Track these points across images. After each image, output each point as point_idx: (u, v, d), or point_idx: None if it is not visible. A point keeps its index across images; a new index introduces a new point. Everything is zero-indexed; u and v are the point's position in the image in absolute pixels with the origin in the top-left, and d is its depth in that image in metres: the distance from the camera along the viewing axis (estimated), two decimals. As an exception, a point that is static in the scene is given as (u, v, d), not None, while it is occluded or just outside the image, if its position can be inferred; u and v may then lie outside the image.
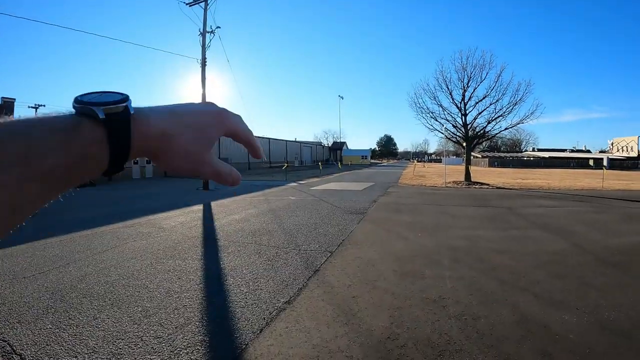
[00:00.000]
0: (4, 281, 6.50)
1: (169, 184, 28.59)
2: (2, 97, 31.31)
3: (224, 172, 0.63)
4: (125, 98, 0.51)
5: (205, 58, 23.95)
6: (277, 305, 5.23)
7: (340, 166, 63.43)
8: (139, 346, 4.12)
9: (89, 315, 4.99)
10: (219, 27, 24.68)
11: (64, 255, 8.03)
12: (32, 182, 0.44)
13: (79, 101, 0.50)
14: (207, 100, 0.91)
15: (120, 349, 4.09)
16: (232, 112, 0.66)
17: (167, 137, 0.54)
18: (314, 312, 4.99)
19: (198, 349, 4.01)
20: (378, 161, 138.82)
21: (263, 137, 66.31)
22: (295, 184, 27.68)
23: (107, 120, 0.48)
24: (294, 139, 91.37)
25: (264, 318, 4.80)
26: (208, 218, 12.76)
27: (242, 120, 0.68)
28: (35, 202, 0.46)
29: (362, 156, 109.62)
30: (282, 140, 76.80)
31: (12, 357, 4.02)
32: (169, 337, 4.29)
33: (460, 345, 4.13)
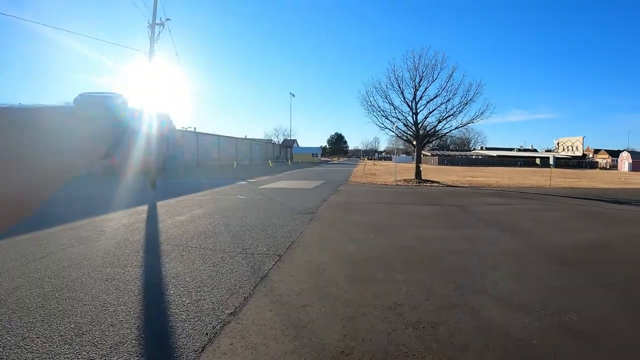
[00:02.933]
0: None
1: (113, 182, 27.56)
2: None
3: None
4: None
5: (153, 51, 23.13)
6: (221, 317, 4.87)
7: (290, 164, 63.13)
8: None
9: (17, 335, 4.50)
10: (169, 20, 23.76)
11: (-8, 265, 7.41)
12: None
13: None
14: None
15: None
16: None
17: None
18: (261, 324, 4.66)
19: None
20: (329, 159, 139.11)
21: (213, 134, 65.27)
22: (244, 182, 27.12)
23: None
24: (244, 137, 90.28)
25: (207, 333, 4.43)
26: (152, 220, 12.22)
27: None
28: None
29: (313, 154, 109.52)
30: (232, 137, 75.84)
31: None
32: (102, 358, 3.88)
33: (420, 358, 3.91)
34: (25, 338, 4.43)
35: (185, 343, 4.21)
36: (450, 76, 27.43)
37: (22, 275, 6.70)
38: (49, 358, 3.96)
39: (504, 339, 4.29)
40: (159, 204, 15.82)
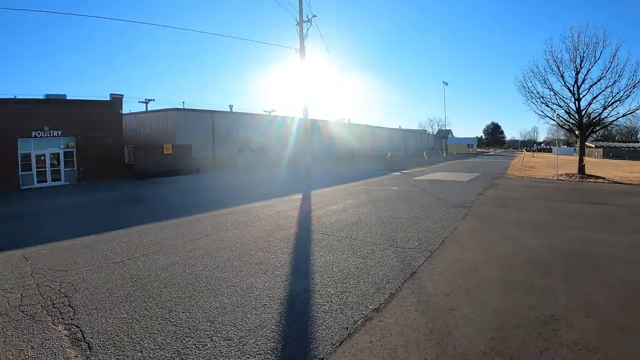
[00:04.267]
0: (94, 266, 6.71)
1: (273, 173, 28.95)
2: (111, 94, 33.26)
3: None
4: None
5: (303, 47, 23.77)
6: (364, 312, 4.71)
7: (445, 155, 61.37)
8: (206, 347, 3.89)
9: (164, 308, 4.89)
10: (315, 16, 24.21)
11: (156, 242, 8.22)
12: None
13: None
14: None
15: (186, 348, 3.89)
16: None
17: None
18: (404, 325, 4.39)
19: (267, 358, 3.66)
20: (484, 150, 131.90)
21: (367, 125, 65.69)
22: (398, 173, 26.84)
23: None
24: (398, 127, 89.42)
25: (347, 328, 4.31)
26: (305, 208, 12.57)
27: None
28: None
29: (468, 145, 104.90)
30: (386, 128, 75.69)
31: (81, 344, 4.02)
32: (240, 340, 4.00)
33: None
34: (171, 311, 4.77)
35: (323, 335, 4.14)
36: (614, 55, 23.89)
37: (179, 254, 7.30)
38: (189, 332, 4.20)
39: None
40: (313, 193, 16.27)
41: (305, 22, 23.60)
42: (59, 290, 5.61)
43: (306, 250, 7.52)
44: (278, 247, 7.68)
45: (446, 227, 9.33)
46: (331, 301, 5.05)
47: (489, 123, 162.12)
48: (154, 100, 51.54)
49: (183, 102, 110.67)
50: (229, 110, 47.11)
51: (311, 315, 4.65)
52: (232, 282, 5.75)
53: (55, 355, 3.86)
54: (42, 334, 4.32)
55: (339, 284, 5.64)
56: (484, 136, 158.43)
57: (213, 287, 5.54)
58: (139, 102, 53.01)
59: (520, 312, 4.68)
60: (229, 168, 36.38)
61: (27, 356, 3.85)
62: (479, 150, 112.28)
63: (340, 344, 3.95)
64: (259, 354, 3.72)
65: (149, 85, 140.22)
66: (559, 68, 25.60)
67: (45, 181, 28.36)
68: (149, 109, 46.27)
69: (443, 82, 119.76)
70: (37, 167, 27.84)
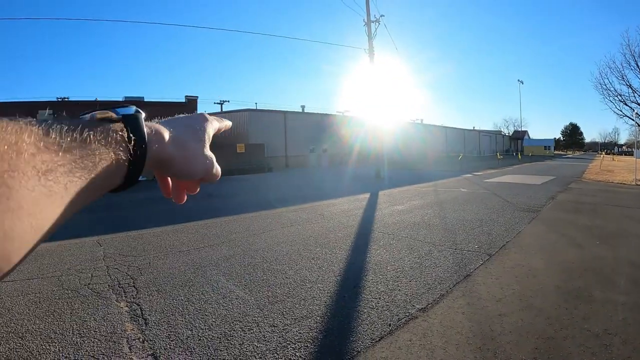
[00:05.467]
0: (161, 253, 7.21)
1: (343, 172, 29.14)
2: (186, 95, 34.71)
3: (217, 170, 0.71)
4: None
5: (372, 47, 23.74)
6: (409, 311, 4.70)
7: (520, 157, 59.02)
8: (252, 331, 4.09)
9: (219, 294, 5.17)
10: (383, 15, 24.10)
11: (222, 235, 8.62)
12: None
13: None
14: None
15: (233, 330, 4.11)
16: (210, 115, 0.75)
17: (181, 142, 0.62)
18: (447, 326, 4.34)
19: (306, 346, 3.79)
20: (562, 152, 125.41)
21: (440, 126, 64.63)
22: (469, 175, 26.24)
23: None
24: (472, 128, 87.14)
25: (390, 325, 4.33)
26: (371, 207, 12.61)
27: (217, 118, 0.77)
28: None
29: (545, 147, 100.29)
30: (460, 129, 74.12)
31: (139, 319, 4.43)
32: (284, 327, 4.16)
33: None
34: (225, 297, 5.04)
35: (365, 329, 4.20)
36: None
37: (240, 246, 7.62)
38: (239, 317, 4.43)
39: None
40: (381, 192, 16.28)
41: (373, 22, 23.60)
42: (126, 273, 6.14)
43: (364, 248, 7.57)
44: (337, 244, 7.80)
45: (510, 230, 9.08)
46: (379, 298, 5.08)
47: (567, 124, 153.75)
48: (228, 101, 53.38)
49: (256, 103, 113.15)
50: (300, 110, 47.67)
51: (357, 310, 4.72)
52: (286, 274, 5.94)
53: (114, 326, 4.30)
54: (105, 308, 4.80)
55: (390, 282, 5.66)
56: (561, 138, 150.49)
57: (268, 278, 5.76)
58: (214, 103, 54.80)
59: (573, 323, 4.43)
60: (300, 167, 36.86)
61: (89, 326, 4.32)
62: (555, 152, 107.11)
63: (379, 340, 3.99)
64: (299, 341, 3.86)
65: (224, 87, 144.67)
66: (636, 62, 23.92)
67: None
68: (223, 110, 47.73)
69: (518, 80, 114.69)
70: None
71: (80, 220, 10.91)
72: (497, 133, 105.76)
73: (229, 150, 34.32)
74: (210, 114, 0.75)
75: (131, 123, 0.55)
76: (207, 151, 0.67)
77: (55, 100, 30.89)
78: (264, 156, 36.38)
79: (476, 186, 19.03)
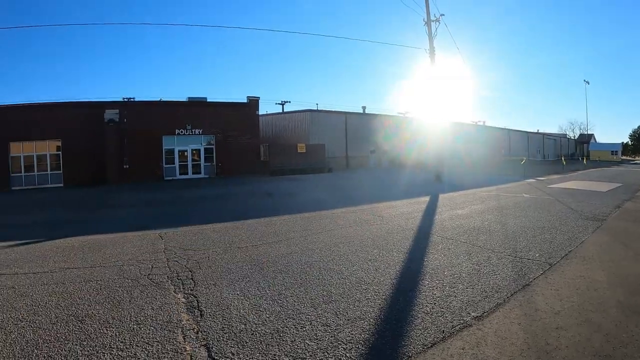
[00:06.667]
0: (220, 248, 7.49)
1: (403, 174, 28.90)
2: (248, 96, 35.45)
3: None
4: None
5: (433, 47, 23.35)
6: (464, 319, 4.54)
7: (585, 162, 56.39)
8: (304, 329, 4.10)
9: (275, 290, 5.23)
10: (443, 15, 23.54)
11: (280, 233, 8.76)
12: None
13: None
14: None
15: (286, 327, 4.14)
16: None
17: None
18: (502, 337, 4.15)
19: (357, 347, 3.72)
20: (630, 158, 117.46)
21: (502, 128, 62.98)
22: (533, 180, 25.22)
23: None
24: (536, 131, 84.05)
25: (443, 331, 4.20)
26: (430, 210, 12.39)
27: None
28: None
29: (612, 151, 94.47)
30: (524, 131, 71.82)
31: (194, 311, 4.60)
32: (336, 327, 4.12)
33: None
34: (280, 294, 5.09)
35: (418, 335, 4.09)
36: None
37: (298, 245, 7.70)
38: (292, 314, 4.46)
39: None
40: (441, 196, 15.99)
41: (433, 21, 23.17)
42: (185, 266, 6.37)
43: (421, 252, 7.41)
44: (394, 246, 7.70)
45: (573, 239, 8.65)
46: (434, 303, 4.94)
47: (636, 127, 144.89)
48: (289, 102, 54.01)
49: (317, 104, 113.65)
50: (361, 111, 47.67)
51: (411, 315, 4.60)
52: (343, 274, 5.90)
53: (170, 316, 4.47)
54: (163, 298, 5.01)
55: (447, 288, 5.50)
56: (630, 142, 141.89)
57: (324, 277, 5.75)
58: (276, 103, 55.73)
59: (633, 341, 4.12)
60: (360, 168, 36.81)
61: (146, 314, 4.53)
62: (623, 157, 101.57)
63: (431, 346, 3.87)
64: (350, 342, 3.81)
65: (285, 88, 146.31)
66: None
67: (187, 174, 31.97)
68: (285, 110, 48.36)
69: (584, 80, 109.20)
70: (179, 161, 31.42)
71: (145, 214, 11.38)
72: (562, 136, 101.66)
73: (290, 150, 34.78)
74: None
75: None
76: None
77: (121, 100, 32.42)
78: (325, 156, 36.60)
79: (539, 192, 18.33)
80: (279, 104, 51.54)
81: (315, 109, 44.25)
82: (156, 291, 5.27)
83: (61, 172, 30.36)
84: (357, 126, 41.95)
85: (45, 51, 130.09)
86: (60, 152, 30.41)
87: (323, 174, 31.93)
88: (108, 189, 24.66)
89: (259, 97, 35.41)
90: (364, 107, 48.62)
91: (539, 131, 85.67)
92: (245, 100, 35.51)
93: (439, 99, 26.22)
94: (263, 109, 46.19)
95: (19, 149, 30.05)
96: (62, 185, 29.90)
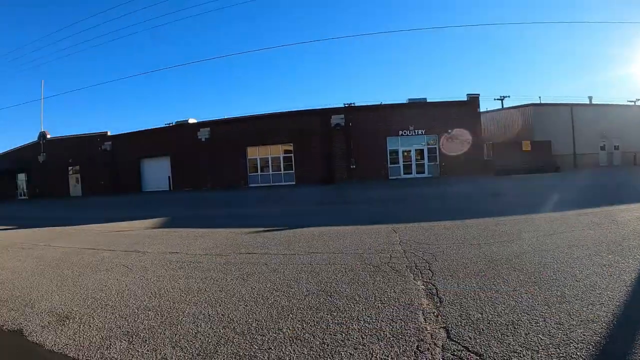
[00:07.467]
0: (452, 244, 8.06)
1: (638, 173, 26.05)
2: (468, 94, 34.93)
3: None
4: None
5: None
6: None
7: None
8: (537, 325, 4.28)
9: (510, 286, 5.50)
10: None
11: (510, 233, 8.93)
12: None
13: None
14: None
15: (520, 321, 4.36)
16: None
17: None
18: None
19: (588, 348, 3.78)
20: None
21: None
22: None
23: None
24: None
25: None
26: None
27: None
28: None
29: None
30: None
31: (434, 297, 5.16)
32: (569, 327, 4.20)
33: None
34: (515, 290, 5.35)
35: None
36: None
37: (531, 245, 7.86)
38: (527, 310, 4.68)
39: None
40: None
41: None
42: (421, 257, 6.99)
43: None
44: (630, 252, 7.18)
45: None
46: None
47: None
48: (509, 96, 51.27)
49: (539, 97, 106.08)
50: (588, 102, 43.50)
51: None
52: (576, 277, 5.85)
53: (411, 299, 5.08)
54: (404, 284, 5.68)
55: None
56: None
57: (557, 278, 5.80)
58: (494, 99, 53.78)
59: None
60: (590, 166, 33.94)
61: (389, 296, 5.23)
62: None
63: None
64: (582, 342, 3.88)
65: (503, 83, 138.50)
66: None
67: (410, 173, 33.24)
68: (504, 106, 46.58)
69: None
70: (403, 161, 32.80)
71: (375, 209, 12.36)
72: None
73: (514, 148, 33.63)
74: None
75: None
76: None
77: (344, 106, 35.23)
78: (551, 154, 34.57)
79: None
80: (497, 99, 49.94)
81: (538, 102, 41.85)
82: (397, 277, 5.99)
83: (293, 171, 34.62)
84: (584, 119, 38.41)
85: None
86: (292, 154, 34.82)
87: (550, 174, 30.22)
88: (337, 187, 27.05)
89: (479, 94, 34.78)
90: (590, 97, 44.27)
91: None
92: (465, 98, 35.27)
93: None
94: (483, 106, 45.05)
95: (255, 152, 36.12)
96: (294, 183, 33.95)
